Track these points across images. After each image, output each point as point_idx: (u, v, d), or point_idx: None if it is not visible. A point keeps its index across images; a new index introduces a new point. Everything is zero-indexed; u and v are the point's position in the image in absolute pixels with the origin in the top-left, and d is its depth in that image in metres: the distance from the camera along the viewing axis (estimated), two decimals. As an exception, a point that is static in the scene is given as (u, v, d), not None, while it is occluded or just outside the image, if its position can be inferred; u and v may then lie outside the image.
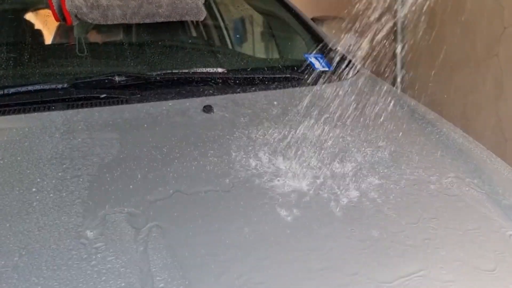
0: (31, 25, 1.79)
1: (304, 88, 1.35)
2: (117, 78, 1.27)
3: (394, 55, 3.66)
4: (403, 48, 3.62)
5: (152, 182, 0.88)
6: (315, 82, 1.42)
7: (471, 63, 3.02)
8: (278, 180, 0.89)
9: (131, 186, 0.86)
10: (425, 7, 3.38)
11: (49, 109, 1.13)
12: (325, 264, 0.71)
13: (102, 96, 1.17)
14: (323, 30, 1.91)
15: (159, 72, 1.33)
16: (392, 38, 3.63)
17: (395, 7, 3.59)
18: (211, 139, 1.02)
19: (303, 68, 1.55)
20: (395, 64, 3.66)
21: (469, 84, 3.04)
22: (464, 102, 3.10)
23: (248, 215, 0.81)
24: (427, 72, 3.43)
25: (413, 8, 3.48)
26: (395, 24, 3.65)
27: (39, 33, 1.80)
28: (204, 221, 0.79)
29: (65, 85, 1.22)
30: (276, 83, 1.38)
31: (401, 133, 1.07)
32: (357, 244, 0.75)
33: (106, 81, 1.25)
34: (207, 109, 1.11)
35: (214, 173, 0.91)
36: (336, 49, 1.73)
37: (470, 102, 3.03)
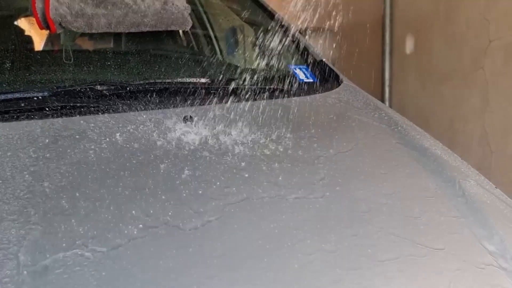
0: (15, 32, 1.78)
1: (287, 99, 1.35)
2: (98, 87, 1.26)
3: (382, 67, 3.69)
4: (390, 59, 3.65)
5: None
6: (298, 94, 1.42)
7: (458, 75, 3.05)
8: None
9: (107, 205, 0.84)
10: (412, 21, 3.42)
11: (27, 118, 1.11)
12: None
13: (82, 105, 1.16)
14: (308, 41, 1.92)
15: (141, 82, 1.32)
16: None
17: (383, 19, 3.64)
18: (189, 151, 1.01)
19: (288, 80, 1.56)
20: (383, 75, 3.69)
21: (456, 96, 3.07)
22: (451, 114, 3.12)
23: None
24: (415, 84, 3.47)
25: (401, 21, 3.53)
26: (383, 36, 3.69)
27: (23, 41, 1.79)
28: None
29: (45, 94, 1.21)
30: (259, 94, 1.38)
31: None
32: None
33: (88, 90, 1.24)
34: (187, 119, 1.11)
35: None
36: (321, 60, 1.74)
37: (457, 114, 3.05)
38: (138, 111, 1.19)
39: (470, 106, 3.00)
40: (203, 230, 0.78)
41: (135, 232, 0.77)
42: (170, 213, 0.81)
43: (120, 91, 1.27)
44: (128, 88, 1.28)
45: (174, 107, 1.20)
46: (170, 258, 0.72)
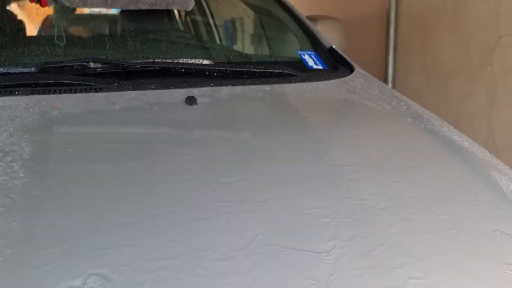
0: (5, 8, 1.67)
1: (297, 85, 1.25)
2: (92, 65, 1.15)
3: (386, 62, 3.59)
4: (394, 54, 3.56)
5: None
6: (309, 80, 1.32)
7: (465, 72, 2.96)
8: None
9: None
10: (418, 15, 3.33)
11: (14, 93, 1.01)
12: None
13: (72, 82, 1.05)
14: (317, 29, 1.81)
15: (139, 61, 1.21)
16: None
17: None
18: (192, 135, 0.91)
19: (296, 66, 1.46)
20: (386, 71, 3.59)
21: (462, 93, 2.99)
22: (456, 111, 3.04)
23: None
24: (420, 80, 3.38)
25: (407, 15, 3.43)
26: (387, 31, 3.59)
27: (14, 17, 1.68)
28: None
29: (33, 69, 1.10)
30: (265, 78, 1.27)
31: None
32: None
33: (80, 67, 1.13)
34: (190, 100, 1.00)
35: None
36: (331, 47, 1.64)
37: (462, 112, 2.97)
38: (134, 90, 1.08)
39: (477, 104, 2.92)
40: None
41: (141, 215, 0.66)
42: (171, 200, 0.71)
43: (114, 70, 1.16)
44: (125, 67, 1.17)
45: (174, 88, 1.09)
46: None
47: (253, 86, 1.16)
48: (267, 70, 1.30)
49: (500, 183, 0.86)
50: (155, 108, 0.98)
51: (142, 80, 1.14)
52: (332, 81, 1.33)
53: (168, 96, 1.04)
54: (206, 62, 1.27)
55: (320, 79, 1.34)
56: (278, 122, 0.98)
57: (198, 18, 2.00)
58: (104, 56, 1.21)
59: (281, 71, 1.32)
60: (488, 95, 2.80)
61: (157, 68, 1.20)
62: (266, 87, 1.17)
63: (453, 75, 3.07)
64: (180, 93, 1.05)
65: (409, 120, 1.09)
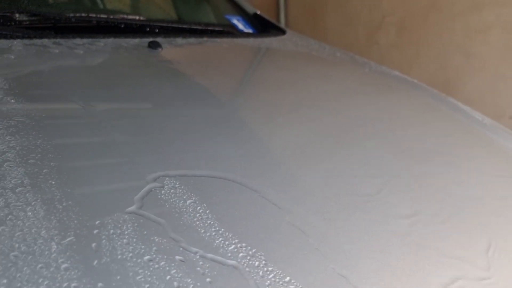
0: None
1: (244, 39, 1.23)
2: (17, 16, 0.99)
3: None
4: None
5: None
6: (251, 37, 1.30)
7: (353, 51, 3.19)
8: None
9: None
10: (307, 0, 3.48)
11: None
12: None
13: None
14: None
15: (72, 15, 1.08)
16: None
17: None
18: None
19: (230, 28, 1.43)
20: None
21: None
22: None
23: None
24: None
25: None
26: (277, 16, 3.72)
27: None
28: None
29: None
30: (209, 34, 1.23)
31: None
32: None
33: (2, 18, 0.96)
34: (154, 45, 0.91)
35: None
36: (255, 13, 1.64)
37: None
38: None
39: (368, 79, 3.15)
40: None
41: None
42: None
43: (44, 24, 1.02)
44: (56, 20, 1.03)
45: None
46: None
47: (205, 39, 1.11)
48: (207, 28, 1.26)
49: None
50: (119, 51, 0.87)
51: (84, 34, 1.02)
52: (272, 38, 1.33)
53: (126, 42, 0.94)
54: (142, 18, 1.18)
55: (261, 37, 1.34)
56: (256, 63, 0.95)
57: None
58: (31, 7, 1.05)
59: (221, 29, 1.29)
60: (377, 70, 3.07)
61: (93, 22, 1.08)
62: (218, 40, 1.13)
63: (343, 55, 3.29)
64: (136, 41, 0.96)
65: (360, 65, 1.14)
